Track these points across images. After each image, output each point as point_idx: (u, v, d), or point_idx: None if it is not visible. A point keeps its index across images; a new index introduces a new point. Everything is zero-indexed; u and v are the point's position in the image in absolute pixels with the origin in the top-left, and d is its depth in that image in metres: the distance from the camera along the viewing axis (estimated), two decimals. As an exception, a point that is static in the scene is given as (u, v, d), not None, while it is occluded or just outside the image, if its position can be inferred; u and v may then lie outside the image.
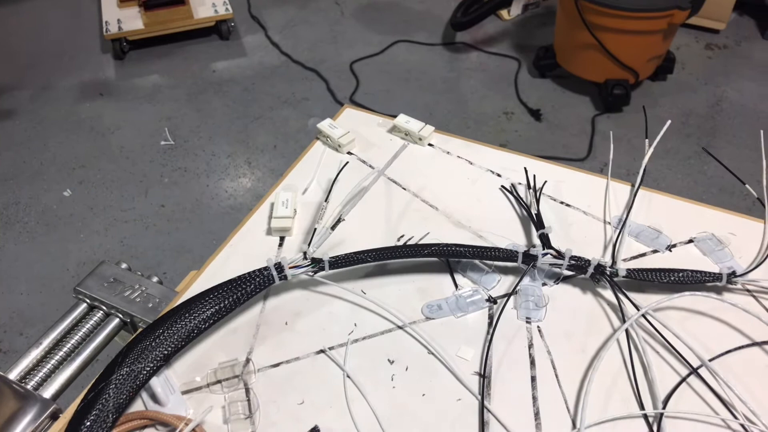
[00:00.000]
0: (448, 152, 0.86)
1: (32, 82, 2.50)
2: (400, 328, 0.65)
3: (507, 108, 2.37)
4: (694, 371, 0.60)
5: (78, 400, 0.64)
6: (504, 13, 2.80)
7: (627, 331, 0.62)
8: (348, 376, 0.61)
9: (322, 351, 0.63)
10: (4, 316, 1.70)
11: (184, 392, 0.60)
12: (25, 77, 2.53)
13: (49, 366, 0.70)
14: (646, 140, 0.83)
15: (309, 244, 0.67)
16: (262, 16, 2.86)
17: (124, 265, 0.80)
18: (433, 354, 0.62)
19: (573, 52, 2.31)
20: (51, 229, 1.93)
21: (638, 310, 0.63)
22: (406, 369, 0.61)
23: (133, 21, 2.55)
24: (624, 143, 2.18)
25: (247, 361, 0.62)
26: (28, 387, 0.68)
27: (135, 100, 2.41)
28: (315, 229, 0.68)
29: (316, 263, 0.66)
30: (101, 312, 0.76)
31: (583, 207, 0.78)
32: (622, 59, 2.18)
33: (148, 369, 0.57)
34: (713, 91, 2.42)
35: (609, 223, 0.75)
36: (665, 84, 2.46)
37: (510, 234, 0.74)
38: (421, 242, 0.73)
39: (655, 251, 0.72)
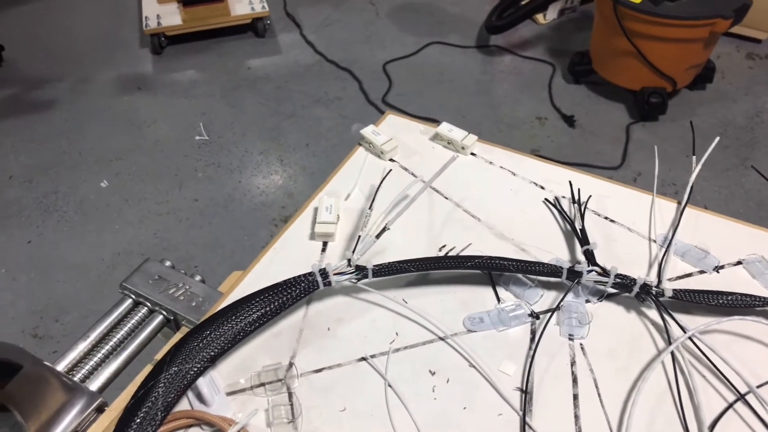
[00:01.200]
0: (490, 162, 0.86)
1: (72, 75, 2.56)
2: (441, 339, 0.65)
3: (540, 113, 2.35)
4: (741, 397, 0.59)
5: (124, 394, 0.65)
6: (540, 17, 2.78)
7: (672, 353, 0.62)
8: (389, 386, 0.61)
9: (363, 359, 0.64)
10: (40, 302, 1.75)
11: (229, 393, 0.61)
12: (65, 70, 2.58)
13: (95, 359, 0.72)
14: (693, 156, 0.82)
15: (353, 251, 0.67)
16: (297, 14, 2.88)
17: (168, 263, 0.82)
18: (474, 367, 0.63)
19: (609, 58, 2.28)
20: (88, 219, 1.98)
21: (684, 332, 0.62)
22: (447, 381, 0.62)
23: (171, 17, 2.60)
24: (659, 153, 2.15)
25: (290, 365, 0.63)
26: (75, 379, 0.70)
27: (171, 94, 2.45)
28: (359, 237, 0.69)
29: (360, 270, 0.67)
30: (146, 308, 0.77)
31: (628, 223, 0.77)
32: (660, 67, 2.15)
33: (196, 369, 0.58)
34: (753, 101, 2.37)
35: (654, 241, 0.74)
36: (704, 93, 2.42)
37: (553, 248, 0.74)
38: (463, 253, 0.73)
39: (701, 272, 0.71)
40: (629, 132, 2.25)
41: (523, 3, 2.59)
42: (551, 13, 2.78)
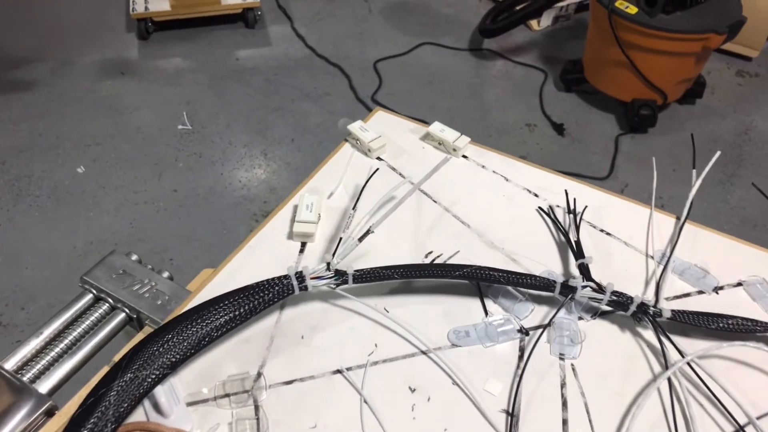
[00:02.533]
0: (483, 166, 0.82)
1: (54, 56, 2.47)
2: (423, 353, 0.61)
3: (530, 120, 2.32)
4: (740, 429, 0.55)
5: (77, 398, 0.60)
6: (534, 23, 2.76)
7: (669, 378, 0.58)
8: (365, 402, 0.56)
9: (338, 371, 0.59)
10: (6, 289, 1.67)
11: (189, 404, 0.56)
12: (47, 50, 2.50)
13: (48, 358, 0.66)
14: (693, 171, 0.78)
15: (333, 255, 0.62)
16: (289, 6, 2.82)
17: (134, 257, 0.76)
18: (458, 385, 0.58)
19: (602, 68, 2.26)
20: (61, 205, 1.90)
21: (682, 356, 0.59)
22: (428, 399, 0.57)
23: (160, 2, 2.52)
24: (647, 165, 2.13)
25: (259, 375, 0.58)
26: (24, 379, 0.65)
27: (156, 81, 2.38)
28: (340, 239, 0.64)
29: (340, 275, 0.62)
30: (107, 305, 0.72)
31: (624, 237, 0.73)
32: (652, 79, 2.13)
33: (153, 377, 0.53)
34: (742, 119, 2.36)
35: (652, 257, 0.71)
36: (693, 108, 2.41)
37: (545, 260, 0.70)
38: (451, 261, 0.69)
39: (700, 292, 0.67)
40: (618, 143, 2.23)
41: (517, 8, 2.56)
42: (545, 20, 2.76)
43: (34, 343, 0.68)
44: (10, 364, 0.65)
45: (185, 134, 2.16)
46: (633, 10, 2.01)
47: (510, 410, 0.56)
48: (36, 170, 2.01)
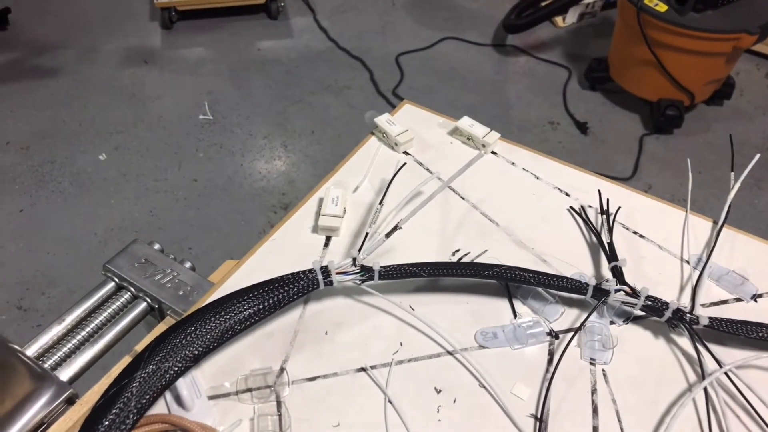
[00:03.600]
0: (512, 163, 0.80)
1: (79, 43, 2.49)
2: (450, 353, 0.59)
3: (553, 117, 2.29)
4: (779, 444, 0.53)
5: (97, 387, 0.59)
6: (559, 19, 2.71)
7: (705, 388, 0.56)
8: (390, 402, 0.55)
9: (363, 369, 0.58)
10: (28, 273, 1.69)
11: (211, 397, 0.55)
12: (72, 37, 2.51)
13: (69, 346, 0.66)
14: (732, 173, 0.75)
15: (360, 250, 0.61)
16: (313, -2, 2.81)
17: (157, 246, 0.76)
18: (485, 388, 0.57)
19: (628, 66, 2.22)
20: (83, 192, 1.92)
21: (720, 365, 0.56)
22: (454, 401, 0.56)
23: (183, -9, 2.53)
24: (672, 167, 2.09)
25: (282, 370, 0.57)
26: (46, 366, 0.64)
27: (178, 70, 2.39)
28: (366, 234, 0.63)
29: (366, 271, 0.60)
30: (129, 294, 0.71)
31: (658, 240, 0.71)
32: (680, 79, 2.09)
33: (176, 369, 0.52)
34: (771, 122, 2.31)
35: (687, 262, 0.68)
36: (721, 109, 2.36)
37: (576, 261, 0.68)
38: (478, 260, 0.67)
39: (738, 299, 0.65)
40: (642, 143, 2.19)
41: (543, 4, 2.52)
42: (571, 17, 2.72)
43: (56, 330, 0.67)
44: (32, 351, 0.65)
45: (206, 124, 2.16)
46: (663, 7, 1.97)
47: (539, 415, 0.55)
48: (59, 156, 2.02)
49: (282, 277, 0.59)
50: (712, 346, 0.59)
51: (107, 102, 2.23)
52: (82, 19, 2.62)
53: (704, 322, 0.58)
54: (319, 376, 0.57)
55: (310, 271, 0.60)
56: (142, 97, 2.26)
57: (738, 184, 0.73)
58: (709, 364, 0.58)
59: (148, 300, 0.70)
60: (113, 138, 2.09)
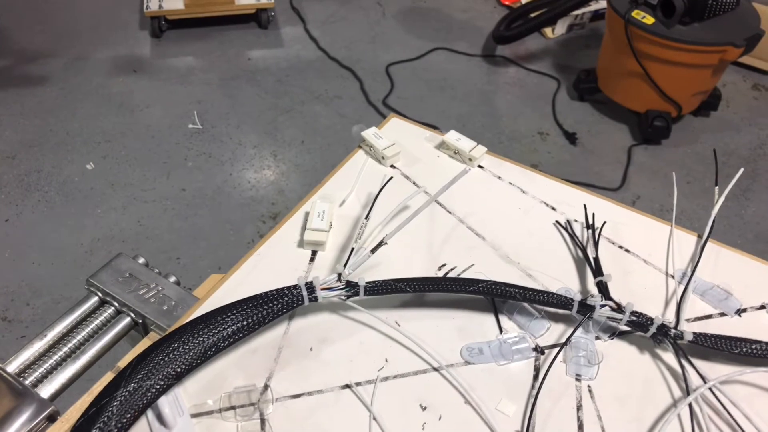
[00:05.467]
0: (499, 177, 0.80)
1: (67, 52, 2.47)
2: (435, 370, 0.59)
3: (542, 128, 2.30)
4: (763, 460, 0.53)
5: (79, 404, 0.58)
6: (548, 31, 2.74)
7: (690, 404, 0.56)
8: (374, 419, 0.55)
9: (347, 386, 0.57)
10: (13, 283, 1.67)
11: (194, 415, 0.54)
12: (61, 45, 2.50)
13: (51, 362, 0.65)
14: (716, 187, 0.76)
15: (345, 265, 0.61)
16: (303, 8, 2.81)
17: (141, 260, 0.75)
18: (470, 404, 0.56)
19: (616, 78, 2.24)
20: (70, 201, 1.90)
21: (704, 381, 0.57)
22: (440, 418, 0.55)
23: (173, 0, 2.52)
24: (660, 177, 2.11)
25: (266, 387, 0.56)
26: (27, 383, 0.63)
27: (167, 80, 2.38)
28: (352, 249, 0.62)
29: (351, 287, 0.60)
30: (112, 308, 0.70)
31: (644, 255, 0.71)
32: (667, 91, 2.11)
33: (158, 387, 0.51)
34: (757, 133, 2.34)
35: (672, 276, 0.69)
36: (707, 120, 2.38)
37: (562, 276, 0.68)
38: (464, 274, 0.67)
39: (722, 314, 0.65)
40: (631, 154, 2.21)
41: (532, 15, 2.54)
42: (560, 28, 2.74)
43: (38, 346, 0.66)
44: (13, 367, 0.64)
45: (195, 133, 2.16)
46: (650, 20, 1.99)
47: (524, 432, 0.54)
48: (46, 165, 2.00)
49: (266, 293, 0.59)
50: (697, 362, 0.59)
51: (95, 111, 2.22)
52: (71, 28, 2.61)
53: (689, 337, 0.58)
54: (303, 394, 0.57)
55: (295, 287, 0.59)
56: (131, 106, 2.25)
57: (722, 199, 0.74)
58: (694, 379, 0.58)
59: (132, 315, 0.69)
60: (101, 147, 2.08)
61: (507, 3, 2.91)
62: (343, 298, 0.61)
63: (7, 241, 1.77)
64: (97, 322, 0.69)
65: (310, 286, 0.59)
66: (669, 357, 0.61)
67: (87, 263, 1.72)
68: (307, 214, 0.72)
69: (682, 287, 0.66)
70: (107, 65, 2.43)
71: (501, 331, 0.62)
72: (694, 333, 0.59)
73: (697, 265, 0.68)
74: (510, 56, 2.63)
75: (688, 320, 0.64)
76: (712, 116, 2.38)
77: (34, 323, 1.59)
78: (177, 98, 2.29)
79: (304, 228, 0.71)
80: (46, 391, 0.63)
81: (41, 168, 1.99)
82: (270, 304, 0.58)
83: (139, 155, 2.06)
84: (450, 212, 0.75)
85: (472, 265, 0.69)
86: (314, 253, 0.69)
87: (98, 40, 2.55)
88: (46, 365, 0.65)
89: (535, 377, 0.59)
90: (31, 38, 2.53)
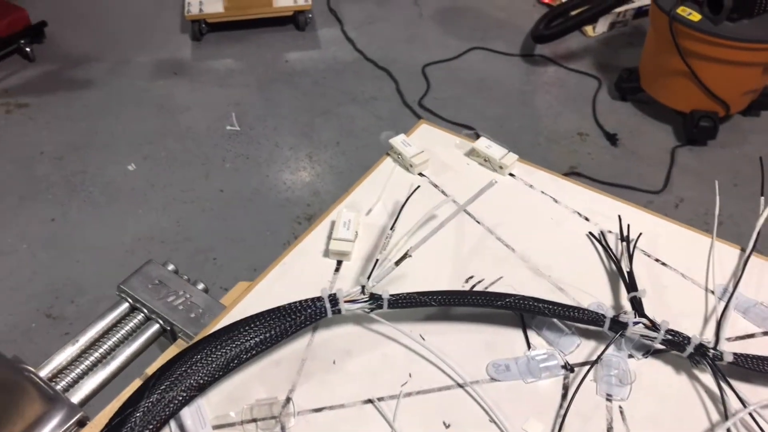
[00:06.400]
0: (531, 186, 0.78)
1: (111, 55, 2.55)
2: (460, 386, 0.57)
3: (582, 128, 2.25)
4: (808, 493, 0.50)
5: (108, 410, 0.60)
6: (589, 29, 2.67)
7: (728, 429, 0.53)
8: (396, 436, 0.54)
9: (370, 401, 0.56)
10: (58, 281, 1.73)
11: (216, 427, 0.55)
12: (105, 49, 2.58)
13: (81, 367, 0.66)
14: (762, 198, 0.72)
15: (369, 277, 0.60)
16: (340, 10, 2.82)
17: (171, 267, 0.76)
18: (495, 423, 0.55)
19: (660, 77, 2.17)
20: (112, 201, 1.95)
21: (744, 405, 0.54)
22: (463, 437, 0.54)
23: (213, 4, 2.57)
24: (705, 180, 2.03)
25: (288, 400, 0.56)
26: (58, 388, 0.65)
27: (207, 82, 2.42)
28: (377, 260, 0.62)
29: (375, 300, 0.59)
30: (142, 315, 0.72)
31: (682, 268, 0.68)
32: (715, 90, 2.03)
33: (180, 398, 0.52)
34: (812, 135, 2.23)
35: (712, 292, 0.65)
36: (758, 120, 2.28)
37: (594, 290, 0.66)
38: (492, 288, 0.66)
39: (766, 333, 0.62)
40: (674, 155, 2.14)
41: (572, 14, 2.48)
42: (601, 26, 2.67)
43: (70, 351, 0.68)
44: (45, 372, 0.66)
45: (233, 135, 2.19)
46: (696, 17, 1.92)
47: (550, 454, 0.53)
48: (91, 167, 2.07)
49: (290, 304, 0.59)
50: (737, 384, 0.56)
51: (138, 113, 2.28)
52: (115, 32, 2.69)
53: (728, 358, 0.55)
54: (325, 407, 0.56)
55: (318, 299, 0.59)
56: (171, 109, 2.30)
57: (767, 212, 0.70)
58: (734, 403, 0.55)
59: (161, 322, 0.70)
60: (142, 149, 2.14)
61: (546, 1, 2.86)
62: (366, 310, 0.60)
63: (52, 240, 1.84)
64: (127, 328, 0.70)
65: (334, 299, 0.59)
66: (707, 378, 0.58)
67: (128, 262, 1.77)
68: (333, 223, 0.71)
69: (723, 304, 0.63)
70: (149, 68, 2.49)
71: (529, 347, 0.61)
72: (735, 354, 0.56)
73: (739, 280, 0.65)
74: (549, 55, 2.58)
75: (728, 339, 0.61)
76: (763, 116, 2.29)
77: (78, 320, 1.64)
78: (216, 100, 2.33)
79: (329, 237, 0.70)
80: (76, 396, 0.64)
81: (86, 169, 2.06)
82: (293, 316, 0.58)
83: (179, 157, 2.11)
84: (479, 222, 0.73)
85: (501, 277, 0.67)
86: (339, 263, 0.69)
87: (140, 44, 2.61)
88: (77, 370, 0.66)
89: (564, 396, 0.57)
90: (77, 44, 2.62)
